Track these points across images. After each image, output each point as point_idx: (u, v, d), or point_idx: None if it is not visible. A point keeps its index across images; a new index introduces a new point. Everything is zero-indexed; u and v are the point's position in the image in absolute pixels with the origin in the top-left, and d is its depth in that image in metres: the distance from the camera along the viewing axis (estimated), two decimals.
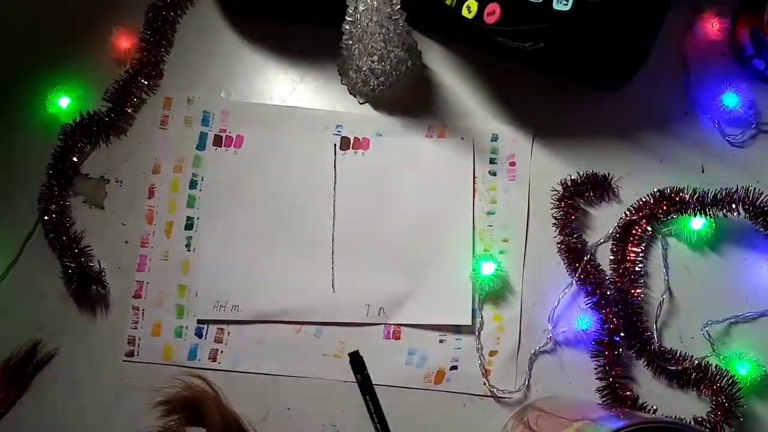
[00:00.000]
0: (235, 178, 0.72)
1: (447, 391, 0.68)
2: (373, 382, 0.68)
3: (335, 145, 0.73)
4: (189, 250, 0.71)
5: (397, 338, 0.69)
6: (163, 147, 0.73)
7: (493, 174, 0.72)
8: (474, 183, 0.72)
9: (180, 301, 0.70)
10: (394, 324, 0.69)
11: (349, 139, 0.73)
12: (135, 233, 0.72)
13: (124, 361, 0.70)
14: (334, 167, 0.72)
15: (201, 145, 0.73)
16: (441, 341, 0.69)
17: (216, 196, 0.72)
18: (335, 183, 0.72)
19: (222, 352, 0.70)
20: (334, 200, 0.72)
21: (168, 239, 0.72)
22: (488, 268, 0.68)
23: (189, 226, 0.72)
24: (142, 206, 0.72)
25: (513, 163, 0.72)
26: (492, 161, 0.72)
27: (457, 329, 0.69)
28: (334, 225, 0.71)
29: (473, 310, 0.69)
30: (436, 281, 0.70)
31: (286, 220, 0.71)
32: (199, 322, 0.70)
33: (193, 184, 0.73)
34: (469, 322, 0.69)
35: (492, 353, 0.69)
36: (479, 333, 0.69)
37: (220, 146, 0.73)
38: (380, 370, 0.68)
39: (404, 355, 0.69)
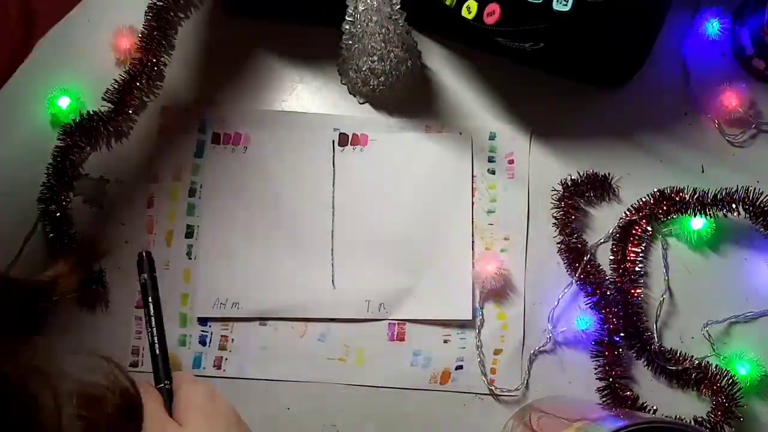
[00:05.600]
0: (234, 175, 0.72)
1: (447, 391, 0.68)
2: (379, 385, 0.68)
3: (334, 141, 0.73)
4: (190, 259, 0.71)
5: (402, 339, 0.69)
6: (162, 156, 0.73)
7: (492, 172, 0.72)
8: (473, 181, 0.72)
9: (183, 310, 0.70)
10: (394, 319, 0.69)
11: (348, 136, 0.73)
12: (135, 234, 0.72)
13: (128, 371, 0.69)
14: (333, 163, 0.72)
15: (199, 153, 0.73)
16: (445, 341, 0.69)
17: (215, 195, 0.72)
18: (334, 179, 0.72)
19: (227, 359, 0.69)
20: (333, 196, 0.72)
21: (168, 248, 0.71)
22: (491, 265, 0.68)
23: (189, 234, 0.72)
24: (142, 207, 0.72)
25: (512, 161, 0.72)
26: (490, 159, 0.72)
27: (461, 329, 0.69)
28: (333, 221, 0.71)
29: (474, 308, 0.69)
30: (435, 277, 0.70)
31: (286, 216, 0.71)
32: (200, 320, 0.70)
33: (192, 192, 0.72)
34: (469, 317, 0.69)
35: (497, 352, 0.69)
36: (479, 331, 0.69)
37: (219, 143, 0.73)
38: (386, 372, 0.68)
39: (409, 357, 0.69)
